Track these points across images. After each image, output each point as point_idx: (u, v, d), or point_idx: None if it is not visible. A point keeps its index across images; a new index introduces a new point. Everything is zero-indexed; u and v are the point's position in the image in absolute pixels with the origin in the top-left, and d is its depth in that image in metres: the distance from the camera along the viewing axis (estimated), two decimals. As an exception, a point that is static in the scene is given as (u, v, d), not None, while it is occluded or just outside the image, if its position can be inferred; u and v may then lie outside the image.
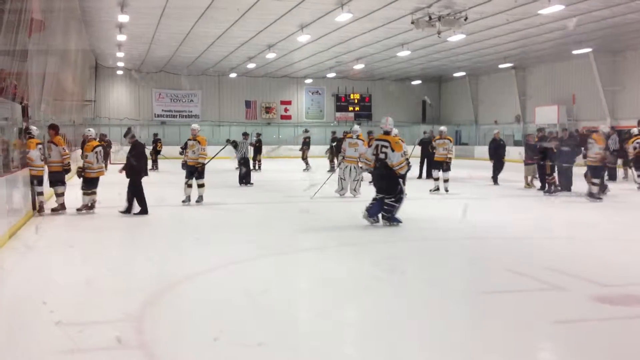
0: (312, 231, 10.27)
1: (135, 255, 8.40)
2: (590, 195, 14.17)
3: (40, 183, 11.90)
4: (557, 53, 31.34)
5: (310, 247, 8.92)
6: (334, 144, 24.43)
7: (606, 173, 16.13)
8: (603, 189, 15.16)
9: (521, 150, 18.08)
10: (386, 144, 10.23)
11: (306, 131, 27.43)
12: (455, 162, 16.97)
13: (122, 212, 11.79)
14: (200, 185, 13.54)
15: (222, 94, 42.03)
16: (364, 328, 5.21)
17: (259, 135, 26.60)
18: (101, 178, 12.52)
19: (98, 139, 26.00)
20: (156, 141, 28.04)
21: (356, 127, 15.85)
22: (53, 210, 12.03)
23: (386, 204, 10.25)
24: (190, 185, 13.41)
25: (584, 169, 15.04)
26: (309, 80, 42.95)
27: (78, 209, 12.07)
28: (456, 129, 42.60)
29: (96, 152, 12.35)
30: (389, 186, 10.25)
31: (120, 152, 26.96)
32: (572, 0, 19.48)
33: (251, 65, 35.62)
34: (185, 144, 14.10)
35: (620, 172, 20.07)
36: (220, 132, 38.42)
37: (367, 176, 13.73)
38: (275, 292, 6.26)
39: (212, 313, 5.46)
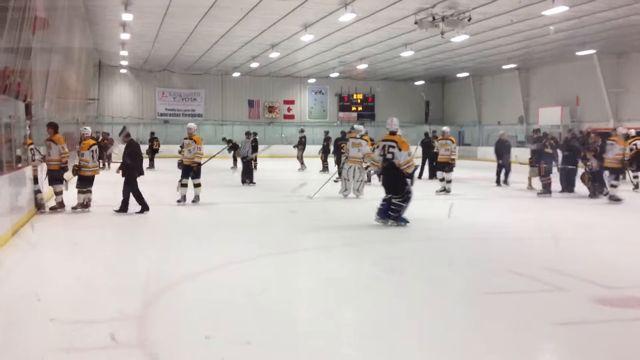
0: (313, 231, 10.29)
1: (133, 254, 8.39)
2: (611, 197, 14.11)
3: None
4: (561, 54, 31.27)
5: (311, 246, 8.92)
6: (325, 143, 24.59)
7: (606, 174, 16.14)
8: (601, 190, 15.16)
9: (517, 152, 18.11)
10: (393, 144, 10.36)
11: (301, 131, 27.36)
12: (458, 162, 16.92)
13: (116, 210, 11.77)
14: (197, 185, 13.39)
15: (225, 93, 42.04)
16: (364, 328, 5.21)
17: (255, 134, 26.50)
18: (101, 177, 12.52)
19: (101, 137, 26.29)
20: (152, 140, 28.00)
21: (360, 126, 15.75)
22: (51, 208, 12.04)
23: (393, 203, 10.33)
24: (185, 185, 13.26)
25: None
26: (312, 80, 42.93)
27: (73, 208, 12.08)
28: (459, 129, 42.54)
29: (92, 151, 12.35)
30: (396, 186, 10.35)
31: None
32: (576, 1, 19.43)
33: (254, 65, 35.62)
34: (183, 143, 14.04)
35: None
36: (223, 131, 38.39)
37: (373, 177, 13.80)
38: (275, 291, 6.27)
39: (210, 312, 5.47)
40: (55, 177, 12.12)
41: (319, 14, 22.04)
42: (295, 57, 33.15)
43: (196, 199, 13.37)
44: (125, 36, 25.66)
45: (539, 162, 15.90)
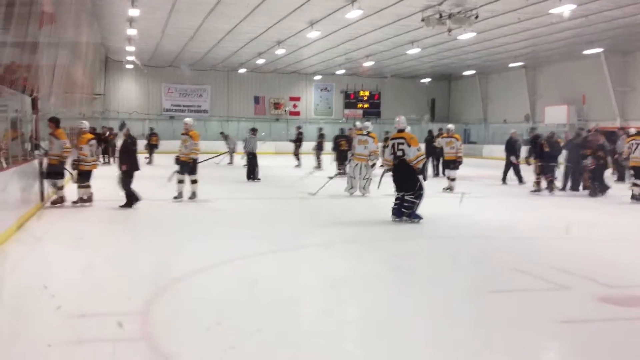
0: (318, 228, 10.29)
1: (138, 248, 8.40)
2: (633, 197, 14.03)
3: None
4: (568, 53, 31.19)
5: (316, 243, 8.92)
6: (319, 140, 24.60)
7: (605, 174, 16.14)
8: (603, 189, 15.12)
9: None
10: (402, 140, 10.50)
11: (299, 127, 27.34)
12: (463, 160, 16.84)
13: (121, 206, 11.78)
14: (193, 181, 13.20)
15: (231, 90, 42.08)
16: (367, 325, 5.21)
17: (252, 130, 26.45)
18: (104, 171, 12.51)
19: (108, 133, 26.31)
20: (151, 135, 27.93)
21: (367, 123, 15.64)
22: (53, 202, 12.02)
23: (406, 200, 10.39)
24: (181, 181, 13.14)
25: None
26: (318, 77, 42.92)
27: (74, 202, 12.07)
28: (465, 127, 42.46)
29: (90, 145, 12.36)
30: (408, 183, 10.42)
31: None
32: (583, 0, 19.37)
33: (260, 61, 35.63)
34: None
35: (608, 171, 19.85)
36: (229, 127, 38.42)
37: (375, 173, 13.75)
38: (278, 288, 6.28)
39: (214, 309, 5.47)
40: (56, 172, 12.03)
41: (326, 10, 22.04)
42: (302, 54, 33.17)
43: (193, 196, 13.15)
44: (131, 31, 25.71)
45: (537, 160, 15.93)
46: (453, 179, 15.76)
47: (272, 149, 34.15)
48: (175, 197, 13.05)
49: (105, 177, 13.73)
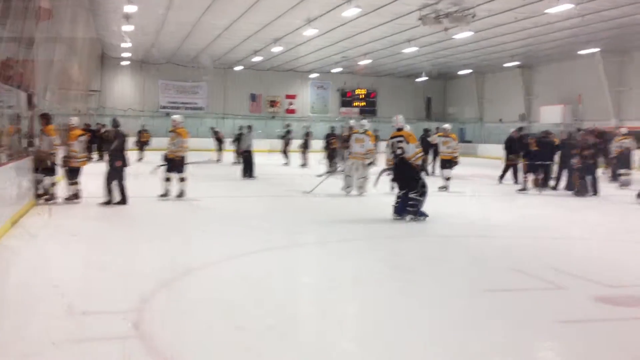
0: (315, 226, 10.30)
1: (134, 246, 8.36)
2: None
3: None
4: (564, 52, 31.22)
5: (312, 241, 8.92)
6: (306, 138, 24.63)
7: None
8: (594, 189, 15.17)
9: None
10: (401, 138, 10.64)
11: (288, 126, 27.30)
12: (459, 161, 16.85)
13: (116, 203, 11.70)
14: (182, 180, 12.94)
15: (227, 87, 42.00)
16: (364, 324, 5.20)
17: (241, 128, 26.41)
18: (98, 168, 12.39)
19: (104, 130, 26.20)
20: (142, 132, 27.71)
21: (364, 121, 15.58)
22: (45, 199, 11.87)
23: (411, 198, 10.42)
24: (168, 179, 12.90)
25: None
26: (314, 75, 42.88)
27: (67, 199, 11.99)
28: (460, 126, 42.50)
29: (80, 141, 12.26)
30: (411, 181, 10.47)
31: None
32: (581, -1, 19.42)
33: (257, 59, 35.57)
34: None
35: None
36: (225, 124, 38.35)
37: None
38: (276, 287, 6.28)
39: (212, 307, 5.45)
40: (46, 168, 11.84)
41: (323, 8, 22.01)
42: (298, 52, 33.10)
43: (181, 194, 12.88)
44: (128, 28, 25.61)
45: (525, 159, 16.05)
46: (448, 178, 15.75)
47: (267, 146, 34.12)
48: (162, 195, 12.80)
49: (99, 173, 13.60)
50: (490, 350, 4.59)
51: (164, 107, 40.37)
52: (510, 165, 18.17)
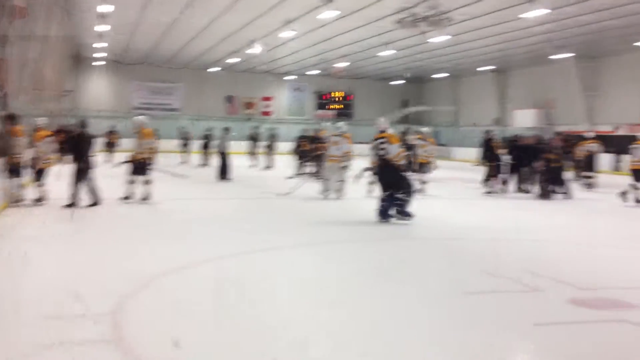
0: (293, 229, 10.27)
1: (105, 249, 8.18)
2: (626, 197, 14.33)
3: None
4: (538, 57, 31.61)
5: (290, 245, 8.85)
6: (271, 140, 24.62)
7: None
8: (564, 191, 15.42)
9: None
10: (384, 139, 10.76)
11: (256, 127, 27.15)
12: (435, 165, 16.97)
13: (88, 205, 11.49)
14: (146, 182, 12.50)
15: (203, 88, 41.76)
16: (340, 327, 5.17)
17: (208, 130, 26.44)
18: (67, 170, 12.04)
19: (77, 132, 25.79)
20: (110, 133, 27.26)
21: (340, 123, 15.52)
22: (13, 202, 11.55)
23: (397, 198, 10.52)
24: (132, 182, 12.48)
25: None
26: (291, 77, 42.84)
27: (36, 200, 11.69)
28: (436, 130, 42.71)
29: (47, 143, 12.03)
30: (397, 181, 10.58)
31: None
32: (557, 4, 19.65)
33: (233, 60, 35.44)
34: None
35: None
36: (200, 126, 38.10)
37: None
38: (252, 290, 6.23)
39: (187, 312, 5.39)
40: (13, 170, 11.51)
41: (301, 10, 22.02)
42: (276, 54, 33.04)
43: (146, 198, 12.45)
44: (103, 28, 25.37)
45: (492, 162, 16.34)
46: (424, 182, 15.81)
47: (243, 148, 33.94)
48: (124, 198, 12.40)
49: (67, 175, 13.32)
50: (468, 352, 4.61)
51: (138, 108, 39.98)
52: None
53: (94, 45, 31.59)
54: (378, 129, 11.10)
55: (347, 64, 35.61)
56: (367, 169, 11.57)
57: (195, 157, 25.96)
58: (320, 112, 43.86)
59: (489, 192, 16.07)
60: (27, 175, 12.08)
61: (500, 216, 12.55)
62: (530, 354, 4.84)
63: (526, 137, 17.14)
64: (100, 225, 10.25)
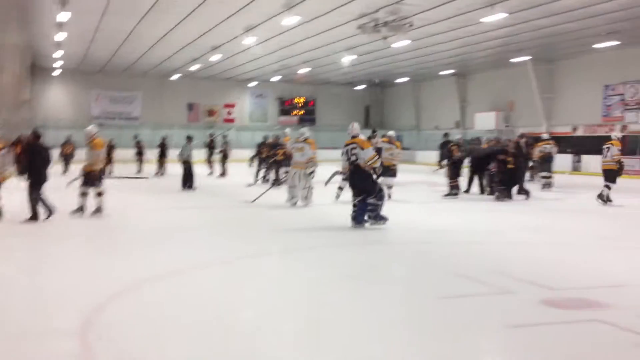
0: (259, 238, 10.17)
1: (67, 264, 7.94)
2: (603, 198, 14.52)
3: None
4: (497, 61, 32.14)
5: (256, 254, 8.72)
6: (224, 148, 24.51)
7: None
8: (523, 192, 15.69)
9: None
10: (354, 145, 10.75)
11: (211, 135, 26.91)
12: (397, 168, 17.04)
13: (28, 219, 10.97)
14: (99, 194, 11.97)
15: (163, 96, 41.33)
16: (317, 333, 5.13)
17: (163, 138, 26.23)
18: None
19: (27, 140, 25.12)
20: (65, 144, 26.64)
21: (303, 129, 15.35)
22: None
23: (369, 203, 10.51)
24: (84, 194, 11.98)
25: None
26: (253, 84, 42.69)
27: None
28: (398, 133, 43.02)
29: (3, 155, 11.63)
30: (368, 186, 10.58)
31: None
32: (514, 8, 19.98)
33: (194, 67, 35.17)
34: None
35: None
36: (161, 135, 37.65)
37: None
38: (222, 302, 6.12)
39: (157, 328, 5.27)
40: None
41: (263, 16, 21.94)
42: (237, 60, 32.93)
43: (98, 210, 11.92)
44: (60, 36, 24.90)
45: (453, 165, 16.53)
46: (390, 187, 15.83)
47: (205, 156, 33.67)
48: (75, 211, 11.85)
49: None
50: (442, 356, 4.60)
51: (97, 118, 39.41)
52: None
53: (52, 54, 31.02)
54: (350, 134, 11.11)
55: (309, 69, 35.66)
56: (337, 173, 11.58)
57: (151, 166, 25.70)
58: (284, 118, 43.79)
59: (448, 195, 16.18)
60: None
61: (467, 219, 12.62)
62: (504, 356, 4.84)
63: (489, 139, 17.33)
64: (58, 239, 9.96)
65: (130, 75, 39.18)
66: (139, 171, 25.76)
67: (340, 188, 12.40)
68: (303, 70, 35.74)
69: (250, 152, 24.94)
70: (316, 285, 6.79)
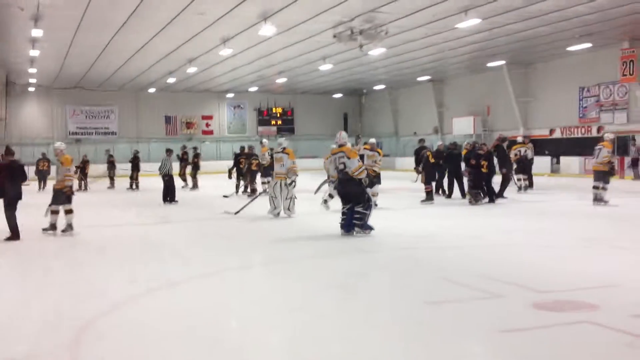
0: (249, 248, 10.11)
1: (49, 283, 7.80)
2: (599, 199, 14.59)
3: None
4: (473, 66, 32.40)
5: (241, 266, 8.67)
6: (195, 159, 24.32)
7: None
8: (491, 196, 15.80)
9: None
10: (342, 154, 10.80)
11: (183, 147, 26.76)
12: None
13: (6, 239, 10.77)
14: (68, 212, 11.69)
15: (140, 110, 41.08)
16: (307, 341, 5.05)
17: (136, 152, 26.12)
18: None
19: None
20: (40, 161, 26.28)
21: (281, 139, 15.26)
22: None
23: (356, 212, 10.54)
24: (56, 212, 11.69)
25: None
26: (230, 95, 42.59)
27: None
28: (377, 141, 43.10)
29: None
30: (356, 194, 10.61)
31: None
32: (489, 14, 20.16)
33: (171, 80, 35.00)
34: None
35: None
36: (139, 148, 37.31)
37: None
38: (203, 316, 6.02)
39: (144, 342, 5.18)
40: None
41: (238, 27, 21.90)
42: (214, 72, 32.82)
43: (68, 228, 11.64)
44: (34, 52, 24.66)
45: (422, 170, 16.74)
46: (374, 194, 15.82)
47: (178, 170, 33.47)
48: (45, 229, 11.65)
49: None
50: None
51: (74, 133, 39.12)
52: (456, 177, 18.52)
53: (27, 70, 30.66)
54: (337, 143, 11.11)
55: (286, 79, 35.66)
56: (326, 181, 11.56)
57: (123, 181, 25.56)
58: (262, 128, 43.73)
59: (425, 201, 16.26)
60: None
61: (451, 223, 12.62)
62: (498, 361, 4.83)
63: (469, 143, 17.39)
64: (34, 257, 9.76)
65: (106, 90, 38.89)
66: (111, 187, 25.60)
67: (331, 196, 12.35)
68: (280, 80, 35.72)
69: (229, 164, 24.77)
70: (303, 296, 6.73)
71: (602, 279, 7.13)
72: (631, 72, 25.55)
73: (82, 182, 24.76)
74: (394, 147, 42.93)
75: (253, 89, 40.29)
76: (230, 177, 21.73)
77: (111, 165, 26.68)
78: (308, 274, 7.92)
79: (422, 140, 18.76)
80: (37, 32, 20.70)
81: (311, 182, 15.97)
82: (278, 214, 13.96)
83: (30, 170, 21.48)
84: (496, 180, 16.62)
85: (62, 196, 11.70)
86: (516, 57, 29.88)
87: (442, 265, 8.13)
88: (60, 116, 38.99)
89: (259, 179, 19.43)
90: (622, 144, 26.09)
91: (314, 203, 13.74)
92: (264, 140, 19.63)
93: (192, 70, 30.95)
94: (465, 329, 5.32)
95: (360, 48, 22.52)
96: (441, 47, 26.83)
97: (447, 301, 6.25)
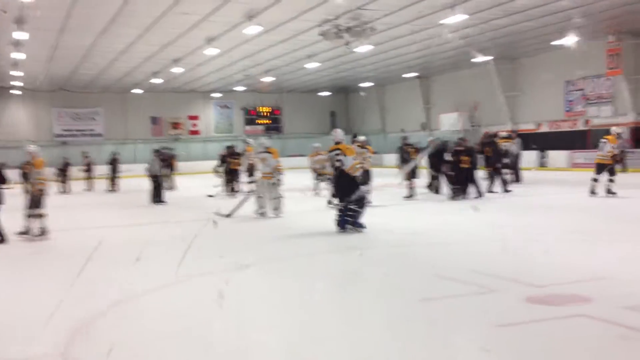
0: (240, 249, 10.06)
1: (40, 286, 7.71)
2: (609, 191, 14.78)
3: None
4: (459, 61, 32.43)
5: (233, 266, 8.59)
6: (171, 160, 24.25)
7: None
8: (475, 191, 15.85)
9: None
10: (339, 151, 10.91)
11: (164, 149, 26.61)
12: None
13: None
14: (40, 216, 11.56)
15: (126, 111, 40.85)
16: (294, 341, 5.02)
17: (114, 154, 25.99)
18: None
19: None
20: (24, 164, 26.01)
21: (263, 139, 15.20)
22: None
23: (350, 209, 10.60)
24: (31, 216, 11.51)
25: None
26: (217, 95, 42.44)
27: None
28: (365, 138, 43.10)
29: None
30: (351, 192, 10.67)
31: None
32: (474, 9, 20.18)
33: (157, 81, 34.80)
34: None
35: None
36: (126, 150, 37.19)
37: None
38: (197, 317, 5.96)
39: (135, 344, 5.13)
40: None
41: (224, 27, 21.81)
42: (200, 72, 32.70)
43: (42, 232, 11.52)
44: (18, 55, 24.43)
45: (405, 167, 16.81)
46: (368, 192, 15.80)
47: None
48: (21, 233, 11.47)
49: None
50: (430, 359, 4.56)
51: (60, 136, 38.85)
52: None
53: (11, 72, 30.38)
54: (334, 141, 11.25)
55: (273, 78, 35.58)
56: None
57: (101, 183, 25.46)
58: (250, 128, 43.60)
59: (408, 197, 16.32)
60: None
61: (441, 220, 12.63)
62: (493, 356, 4.79)
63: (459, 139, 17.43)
64: (25, 260, 9.70)
65: (91, 92, 38.64)
66: (89, 189, 25.48)
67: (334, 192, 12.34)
68: (267, 79, 35.63)
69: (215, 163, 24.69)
70: (297, 294, 6.70)
71: (593, 271, 7.15)
72: (617, 65, 25.71)
73: (64, 185, 24.69)
74: (381, 144, 42.89)
75: (240, 88, 40.17)
76: (218, 176, 21.57)
77: (88, 167, 26.53)
78: (300, 273, 7.89)
79: (405, 138, 18.75)
80: (20, 35, 20.51)
81: (299, 180, 15.96)
82: (263, 213, 13.83)
83: (15, 173, 21.23)
84: (481, 175, 16.68)
85: (35, 200, 11.55)
86: (502, 53, 29.95)
87: (436, 262, 8.13)
88: (45, 119, 38.69)
89: (245, 179, 19.40)
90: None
91: (302, 201, 13.72)
92: (250, 140, 19.53)
93: (177, 70, 30.80)
94: (460, 325, 5.32)
95: (346, 45, 22.47)
96: (427, 44, 26.83)
97: (441, 297, 6.25)
